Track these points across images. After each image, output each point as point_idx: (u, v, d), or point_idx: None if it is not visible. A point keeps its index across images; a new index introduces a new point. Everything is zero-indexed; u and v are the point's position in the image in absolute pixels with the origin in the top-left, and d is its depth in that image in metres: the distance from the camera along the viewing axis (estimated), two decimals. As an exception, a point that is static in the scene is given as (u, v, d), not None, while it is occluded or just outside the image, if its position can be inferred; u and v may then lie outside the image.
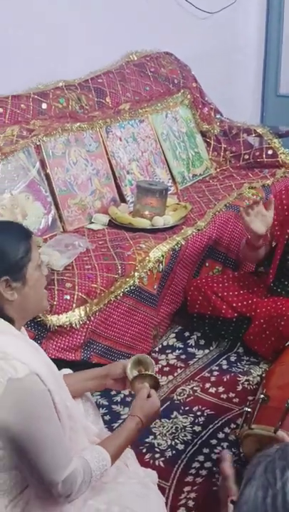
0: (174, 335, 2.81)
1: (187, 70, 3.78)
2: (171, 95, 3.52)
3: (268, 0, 4.59)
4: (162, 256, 2.59)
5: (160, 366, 2.59)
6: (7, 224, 1.57)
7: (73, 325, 2.17)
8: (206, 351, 2.70)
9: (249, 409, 1.94)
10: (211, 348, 2.71)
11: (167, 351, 2.71)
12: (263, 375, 2.47)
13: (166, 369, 2.58)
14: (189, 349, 2.72)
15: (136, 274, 2.46)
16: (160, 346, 2.73)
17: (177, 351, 2.70)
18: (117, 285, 2.39)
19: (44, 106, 2.93)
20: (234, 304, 2.64)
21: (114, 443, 1.50)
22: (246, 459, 1.94)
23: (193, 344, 2.75)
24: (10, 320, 1.39)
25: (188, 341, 2.77)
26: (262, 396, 1.86)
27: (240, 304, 2.64)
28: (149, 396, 1.64)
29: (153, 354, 2.65)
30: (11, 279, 1.35)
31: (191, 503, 1.87)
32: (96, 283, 2.32)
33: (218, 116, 3.83)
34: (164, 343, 2.76)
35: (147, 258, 2.53)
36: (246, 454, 1.91)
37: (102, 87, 3.23)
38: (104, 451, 1.46)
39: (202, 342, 2.75)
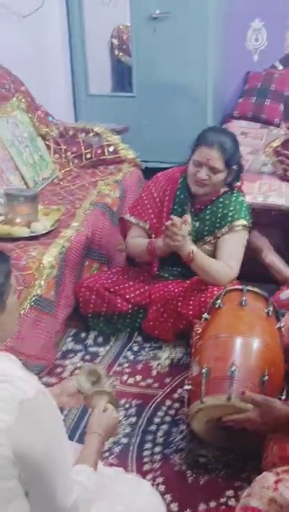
0: (70, 338, 2.79)
1: (13, 75, 3.71)
2: (8, 100, 3.43)
3: (67, 2, 4.68)
4: (54, 261, 2.56)
5: (68, 373, 2.56)
6: None
7: (-5, 346, 2.05)
8: (107, 347, 2.74)
9: (190, 387, 2.06)
10: (111, 344, 2.77)
11: (69, 356, 2.68)
12: (172, 356, 2.62)
13: (77, 372, 2.56)
14: (90, 349, 2.73)
15: (36, 282, 2.40)
16: (60, 353, 2.70)
17: (79, 353, 2.70)
18: (22, 298, 2.31)
19: None
20: (128, 296, 2.73)
21: (88, 460, 1.47)
22: (196, 435, 2.06)
23: (92, 343, 2.76)
24: None
25: (86, 341, 2.78)
26: (204, 370, 1.98)
27: (133, 295, 2.74)
28: (105, 410, 1.62)
29: (57, 362, 2.62)
30: None
31: (162, 487, 1.94)
32: (4, 298, 2.21)
33: (50, 118, 3.83)
34: (64, 349, 2.73)
35: (42, 265, 2.48)
36: (196, 430, 2.02)
37: None
38: (89, 468, 1.44)
39: (100, 339, 2.79)
